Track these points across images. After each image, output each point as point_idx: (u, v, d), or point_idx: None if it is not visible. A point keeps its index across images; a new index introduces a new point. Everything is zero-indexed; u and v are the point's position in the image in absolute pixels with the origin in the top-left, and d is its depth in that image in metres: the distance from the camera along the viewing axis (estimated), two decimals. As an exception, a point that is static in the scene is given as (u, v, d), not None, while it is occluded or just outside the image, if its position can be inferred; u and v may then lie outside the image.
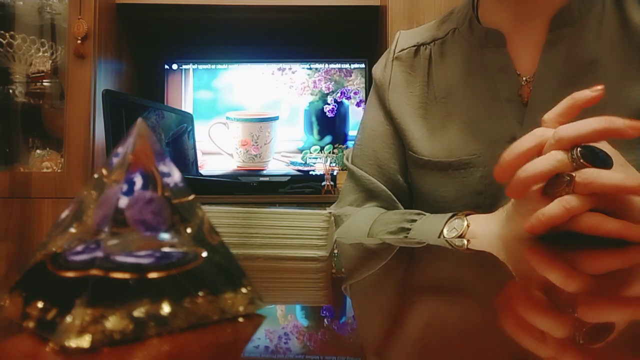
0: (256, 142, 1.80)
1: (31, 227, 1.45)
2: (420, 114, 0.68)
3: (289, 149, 1.81)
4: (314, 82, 1.82)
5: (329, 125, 1.81)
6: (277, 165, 1.81)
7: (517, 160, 0.46)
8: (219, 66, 1.83)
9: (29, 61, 1.64)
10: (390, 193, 0.69)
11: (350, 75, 1.82)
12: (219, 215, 0.39)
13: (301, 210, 0.39)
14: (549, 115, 0.48)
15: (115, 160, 0.21)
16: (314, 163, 1.79)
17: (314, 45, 1.98)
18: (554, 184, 0.45)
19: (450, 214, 0.55)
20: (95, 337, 0.17)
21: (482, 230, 0.52)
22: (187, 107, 1.82)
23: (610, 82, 0.57)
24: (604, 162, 0.44)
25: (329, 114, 1.81)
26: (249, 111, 1.82)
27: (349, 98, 1.81)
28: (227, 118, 1.81)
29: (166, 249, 0.20)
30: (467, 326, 0.21)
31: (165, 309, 0.19)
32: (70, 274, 0.19)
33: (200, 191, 1.17)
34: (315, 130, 1.81)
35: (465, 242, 0.50)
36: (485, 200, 0.61)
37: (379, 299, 0.27)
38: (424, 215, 0.59)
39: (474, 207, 0.60)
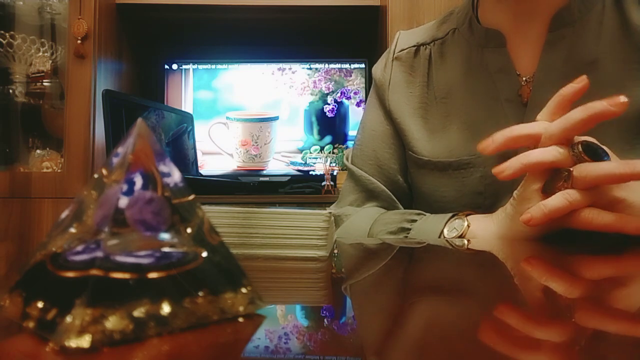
0: (256, 142, 1.80)
1: (31, 227, 1.45)
2: (420, 114, 0.68)
3: (289, 149, 1.81)
4: (314, 82, 1.82)
5: (329, 125, 1.81)
6: (277, 165, 1.81)
7: (511, 139, 0.48)
8: (219, 66, 1.83)
9: (29, 61, 1.64)
10: (390, 193, 0.69)
11: (350, 75, 1.82)
12: (219, 215, 0.39)
13: (301, 210, 0.39)
14: (541, 115, 0.49)
15: (115, 160, 0.21)
16: (314, 163, 1.79)
17: (314, 45, 1.98)
18: (553, 180, 0.45)
19: (450, 214, 0.55)
20: (95, 337, 0.17)
21: (482, 231, 0.52)
22: (187, 107, 1.82)
23: (610, 82, 0.57)
24: (605, 157, 0.44)
25: (329, 114, 1.81)
26: (249, 111, 1.82)
27: (349, 98, 1.81)
28: (227, 118, 1.81)
29: (166, 249, 0.20)
30: (467, 326, 0.21)
31: (165, 309, 0.19)
32: (70, 274, 0.19)
33: (200, 191, 1.17)
34: (315, 130, 1.81)
35: (466, 242, 0.50)
36: (485, 200, 0.61)
37: (379, 299, 0.27)
38: (424, 215, 0.59)
39: (474, 207, 0.60)
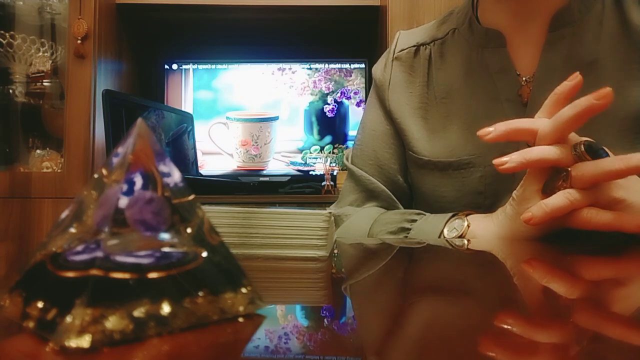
0: (256, 142, 1.80)
1: (31, 227, 1.45)
2: (420, 114, 0.68)
3: (289, 149, 1.81)
4: (314, 82, 1.82)
5: (329, 125, 1.81)
6: (277, 165, 1.81)
7: (512, 131, 0.48)
8: (219, 66, 1.83)
9: (29, 61, 1.64)
10: (390, 193, 0.69)
11: (350, 75, 1.82)
12: (219, 215, 0.39)
13: (301, 210, 0.39)
14: (539, 115, 0.49)
15: (115, 160, 0.21)
16: (314, 163, 1.79)
17: (314, 45, 1.98)
18: (553, 180, 0.46)
19: (450, 214, 0.55)
20: (95, 337, 0.17)
21: (482, 231, 0.52)
22: (187, 107, 1.82)
23: (610, 82, 0.57)
24: (606, 157, 0.45)
25: (329, 114, 1.81)
26: (249, 111, 1.82)
27: (349, 98, 1.81)
28: (227, 118, 1.81)
29: (166, 249, 0.20)
30: (467, 326, 0.21)
31: (165, 309, 0.19)
32: (70, 274, 0.19)
33: (200, 191, 1.17)
34: (315, 130, 1.81)
35: (466, 242, 0.50)
36: (485, 200, 0.61)
37: (379, 299, 0.27)
38: (424, 215, 0.59)
39: (474, 207, 0.60)
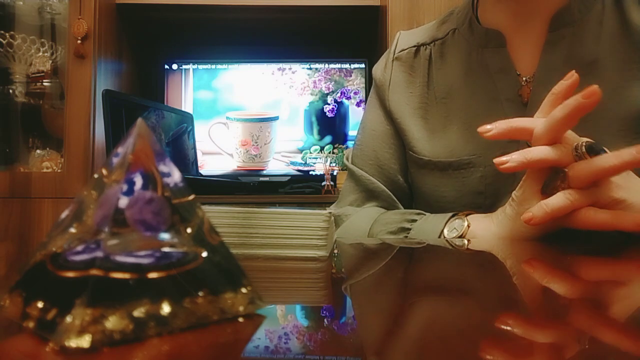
0: (256, 142, 1.80)
1: (31, 227, 1.45)
2: (421, 114, 0.68)
3: (289, 149, 1.81)
4: (314, 82, 1.81)
5: (329, 125, 1.81)
6: (277, 165, 1.81)
7: (512, 129, 0.49)
8: (219, 66, 1.83)
9: (29, 61, 1.63)
10: (390, 193, 0.69)
11: (350, 75, 1.82)
12: (219, 215, 0.39)
13: (301, 210, 0.39)
14: (538, 115, 0.50)
15: (115, 160, 0.21)
16: (314, 163, 1.79)
17: (314, 45, 1.98)
18: (551, 180, 0.46)
19: (450, 214, 0.55)
20: (95, 337, 0.17)
21: (482, 231, 0.52)
22: (187, 107, 1.82)
23: (610, 82, 0.57)
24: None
25: (329, 114, 1.81)
26: (249, 111, 1.82)
27: (349, 98, 1.81)
28: (227, 118, 1.81)
29: (166, 249, 0.20)
30: (467, 326, 0.21)
31: (165, 309, 0.19)
32: (70, 274, 0.19)
33: (200, 191, 1.17)
34: (315, 130, 1.81)
35: (466, 242, 0.50)
36: (486, 200, 0.61)
37: (379, 299, 0.27)
38: (424, 215, 0.59)
39: (474, 207, 0.60)
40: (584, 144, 0.45)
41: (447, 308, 0.25)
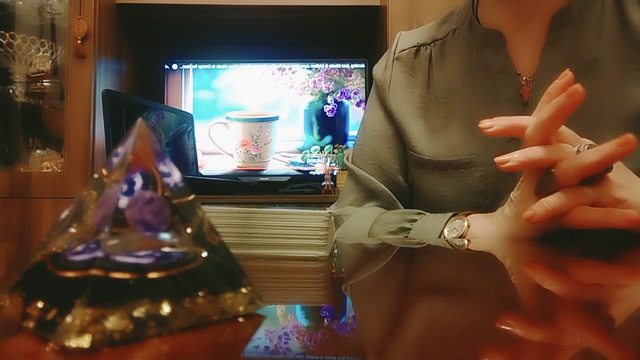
0: (256, 142, 1.80)
1: (31, 227, 1.45)
2: (421, 114, 0.68)
3: (289, 149, 1.81)
4: (314, 82, 1.81)
5: (329, 125, 1.81)
6: (277, 165, 1.81)
7: (513, 127, 0.49)
8: (219, 66, 1.83)
9: (29, 61, 1.63)
10: (390, 193, 0.69)
11: (350, 75, 1.82)
12: (219, 215, 0.39)
13: (301, 210, 0.39)
14: (535, 115, 0.49)
15: (115, 160, 0.21)
16: (314, 163, 1.79)
17: (314, 45, 1.98)
18: (544, 180, 0.46)
19: (450, 214, 0.55)
20: (95, 337, 0.17)
21: (482, 231, 0.52)
22: (187, 107, 1.82)
23: (610, 83, 0.57)
24: None
25: (329, 114, 1.81)
26: (249, 111, 1.82)
27: (349, 98, 1.81)
28: (227, 118, 1.81)
29: (166, 249, 0.20)
30: (467, 326, 0.21)
31: (165, 309, 0.19)
32: (70, 274, 0.19)
33: (200, 191, 1.17)
34: (315, 130, 1.81)
35: (466, 242, 0.50)
36: (486, 199, 0.61)
37: (379, 299, 0.27)
38: (425, 215, 0.59)
39: (475, 206, 0.60)
40: (586, 145, 0.45)
41: (447, 308, 0.25)
